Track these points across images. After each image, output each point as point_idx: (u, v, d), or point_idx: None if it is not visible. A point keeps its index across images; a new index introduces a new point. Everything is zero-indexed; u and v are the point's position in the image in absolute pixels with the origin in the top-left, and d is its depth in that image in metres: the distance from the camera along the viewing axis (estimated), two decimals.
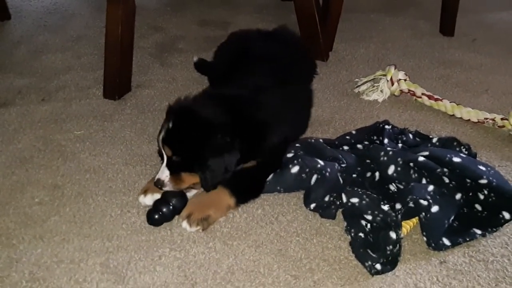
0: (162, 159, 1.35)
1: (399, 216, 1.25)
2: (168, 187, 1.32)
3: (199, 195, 1.36)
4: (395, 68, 1.90)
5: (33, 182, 1.45)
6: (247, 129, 1.35)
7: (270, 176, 1.39)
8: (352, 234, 1.26)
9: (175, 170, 1.32)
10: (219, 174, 1.31)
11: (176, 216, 1.32)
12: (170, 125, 1.32)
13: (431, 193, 1.27)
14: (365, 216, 1.26)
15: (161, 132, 1.33)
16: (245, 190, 1.37)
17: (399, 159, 1.36)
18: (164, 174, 1.31)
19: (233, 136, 1.31)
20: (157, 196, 1.34)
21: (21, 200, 1.38)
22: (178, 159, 1.31)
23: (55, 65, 2.10)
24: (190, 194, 1.37)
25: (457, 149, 1.48)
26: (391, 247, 1.19)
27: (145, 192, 1.36)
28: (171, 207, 1.30)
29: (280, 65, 1.58)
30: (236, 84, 1.51)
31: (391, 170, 1.35)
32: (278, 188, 1.39)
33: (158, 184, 1.31)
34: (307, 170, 1.36)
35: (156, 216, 1.29)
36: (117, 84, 1.86)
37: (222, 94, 1.43)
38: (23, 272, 1.17)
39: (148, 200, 1.35)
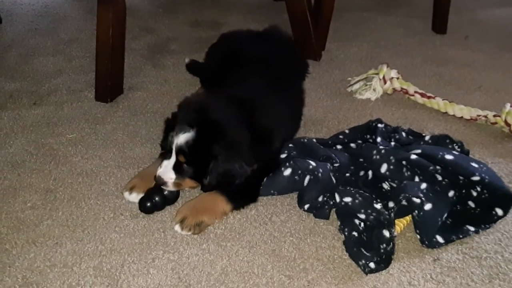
0: (166, 156, 1.33)
1: (392, 214, 1.25)
2: (169, 188, 1.32)
3: (194, 198, 1.35)
4: (387, 67, 1.90)
5: (25, 187, 1.44)
6: (259, 137, 1.36)
7: (264, 180, 1.39)
8: (346, 233, 1.26)
9: (182, 175, 1.31)
10: (229, 182, 1.32)
11: (169, 217, 1.32)
12: (193, 135, 1.28)
13: (424, 191, 1.27)
14: (359, 215, 1.26)
15: (177, 134, 1.29)
16: (242, 196, 1.36)
17: (391, 157, 1.36)
18: (169, 175, 1.31)
19: (252, 151, 1.33)
20: (142, 195, 1.34)
21: (13, 205, 1.37)
22: (190, 168, 1.31)
23: (47, 69, 2.09)
24: None
25: (450, 146, 1.48)
26: (384, 245, 1.19)
27: (131, 189, 1.36)
28: (163, 196, 1.32)
29: (271, 65, 1.58)
30: (234, 87, 1.49)
31: (384, 168, 1.35)
32: (272, 191, 1.39)
33: (160, 182, 1.31)
34: (300, 171, 1.36)
35: (148, 204, 1.32)
36: (109, 86, 1.85)
37: (234, 99, 1.38)
38: (16, 277, 1.16)
39: (133, 198, 1.35)
